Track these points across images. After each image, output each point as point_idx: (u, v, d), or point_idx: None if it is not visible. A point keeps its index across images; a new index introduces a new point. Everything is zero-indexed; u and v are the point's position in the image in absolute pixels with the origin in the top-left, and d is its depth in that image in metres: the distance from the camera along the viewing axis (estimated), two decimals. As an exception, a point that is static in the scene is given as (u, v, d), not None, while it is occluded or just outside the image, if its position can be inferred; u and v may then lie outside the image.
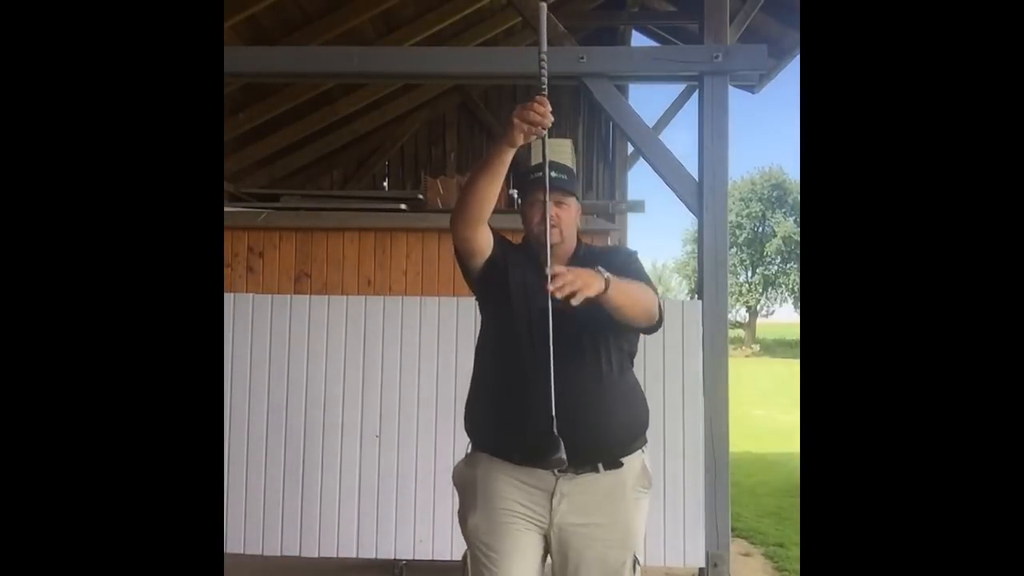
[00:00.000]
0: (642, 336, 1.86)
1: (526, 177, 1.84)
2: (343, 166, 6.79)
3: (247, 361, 3.05)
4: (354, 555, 2.99)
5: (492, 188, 1.66)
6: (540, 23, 1.67)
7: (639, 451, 1.77)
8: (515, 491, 1.69)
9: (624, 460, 1.72)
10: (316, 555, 2.99)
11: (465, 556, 1.77)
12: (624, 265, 1.76)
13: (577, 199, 1.84)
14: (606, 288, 1.52)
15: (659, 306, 1.71)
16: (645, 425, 1.80)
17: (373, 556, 2.98)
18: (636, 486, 1.74)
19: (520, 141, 1.58)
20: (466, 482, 1.78)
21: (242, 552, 2.97)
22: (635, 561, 1.72)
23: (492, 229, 1.78)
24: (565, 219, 1.78)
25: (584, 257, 1.81)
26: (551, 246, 1.65)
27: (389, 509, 2.97)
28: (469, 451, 1.82)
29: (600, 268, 1.56)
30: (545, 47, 1.66)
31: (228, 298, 3.05)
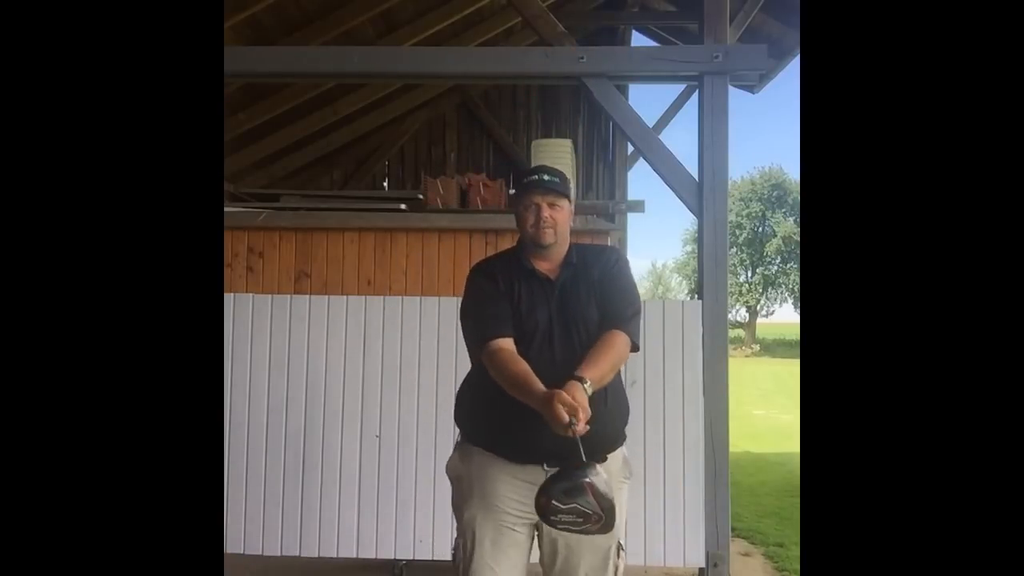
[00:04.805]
0: (642, 336, 1.90)
1: (521, 180, 1.93)
2: (343, 166, 6.79)
3: (247, 361, 3.05)
4: (354, 555, 2.99)
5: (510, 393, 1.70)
6: None
7: (621, 446, 1.89)
8: (508, 487, 1.78)
9: (608, 456, 1.81)
10: (316, 555, 3.00)
11: (456, 544, 1.85)
12: (610, 266, 1.90)
13: (569, 201, 1.91)
14: (590, 391, 1.65)
15: (633, 337, 1.82)
16: (625, 423, 1.91)
17: (373, 556, 2.99)
18: (619, 476, 1.85)
19: (548, 414, 1.56)
20: (460, 475, 1.87)
21: (242, 552, 2.97)
22: (619, 546, 1.83)
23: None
24: (560, 220, 1.87)
25: (573, 258, 1.90)
26: (546, 247, 1.85)
27: (389, 509, 2.97)
28: (459, 440, 1.91)
29: (577, 378, 1.65)
30: None
31: (228, 298, 3.05)
